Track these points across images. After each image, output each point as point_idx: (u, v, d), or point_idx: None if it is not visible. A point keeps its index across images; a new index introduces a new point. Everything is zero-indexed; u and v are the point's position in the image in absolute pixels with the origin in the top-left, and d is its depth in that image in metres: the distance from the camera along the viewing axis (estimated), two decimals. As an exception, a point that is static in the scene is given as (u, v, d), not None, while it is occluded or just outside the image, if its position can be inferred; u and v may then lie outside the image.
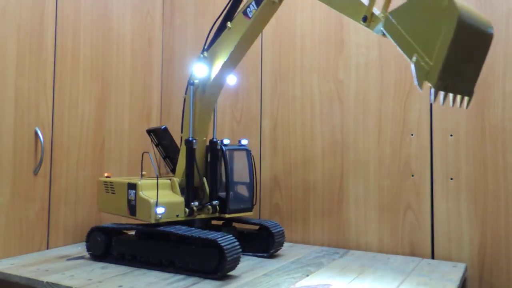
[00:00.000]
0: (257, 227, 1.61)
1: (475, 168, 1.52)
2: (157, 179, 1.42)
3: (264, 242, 1.56)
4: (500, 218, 1.48)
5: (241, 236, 1.58)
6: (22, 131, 1.57)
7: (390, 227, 1.65)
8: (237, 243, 1.31)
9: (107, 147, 1.91)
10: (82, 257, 1.53)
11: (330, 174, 1.77)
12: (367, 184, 1.70)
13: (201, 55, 1.49)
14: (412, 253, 1.60)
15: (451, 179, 1.56)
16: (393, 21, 0.96)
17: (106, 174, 1.59)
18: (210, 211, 1.49)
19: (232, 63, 1.47)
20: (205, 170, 1.55)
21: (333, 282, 1.27)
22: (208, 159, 1.54)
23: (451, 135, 1.57)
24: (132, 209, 1.41)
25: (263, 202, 1.92)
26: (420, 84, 0.93)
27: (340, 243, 1.74)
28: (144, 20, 2.12)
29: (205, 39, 1.51)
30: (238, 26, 1.41)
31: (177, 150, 1.60)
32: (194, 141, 1.45)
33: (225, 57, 1.43)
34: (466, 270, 1.46)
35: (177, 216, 1.41)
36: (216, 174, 1.52)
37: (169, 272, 1.35)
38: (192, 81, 1.47)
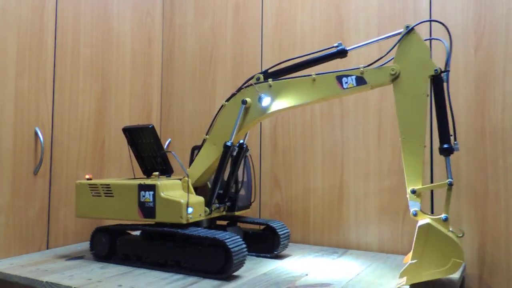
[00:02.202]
0: (261, 227, 1.60)
1: (475, 168, 1.52)
2: (188, 179, 1.42)
3: (269, 243, 1.56)
4: (500, 218, 1.48)
5: (246, 236, 1.59)
6: (22, 131, 1.57)
7: (390, 227, 1.65)
8: (244, 245, 1.31)
9: (107, 147, 1.91)
10: (81, 257, 1.53)
11: (330, 174, 1.77)
12: (367, 184, 1.70)
13: (268, 82, 1.43)
14: (412, 253, 1.60)
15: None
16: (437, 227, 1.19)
17: (87, 176, 1.55)
18: (222, 210, 1.52)
19: (296, 108, 1.44)
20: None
21: (332, 281, 1.27)
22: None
23: (451, 135, 1.56)
24: (147, 211, 1.40)
25: (263, 202, 1.92)
26: (401, 276, 1.18)
27: (340, 243, 1.74)
28: (144, 20, 2.12)
29: (273, 64, 1.44)
30: (325, 86, 1.35)
31: (159, 149, 1.57)
32: (235, 148, 1.45)
33: (295, 102, 1.38)
34: (465, 269, 1.46)
35: (200, 215, 1.41)
36: (234, 175, 1.53)
37: (174, 272, 1.34)
38: (245, 100, 1.44)
